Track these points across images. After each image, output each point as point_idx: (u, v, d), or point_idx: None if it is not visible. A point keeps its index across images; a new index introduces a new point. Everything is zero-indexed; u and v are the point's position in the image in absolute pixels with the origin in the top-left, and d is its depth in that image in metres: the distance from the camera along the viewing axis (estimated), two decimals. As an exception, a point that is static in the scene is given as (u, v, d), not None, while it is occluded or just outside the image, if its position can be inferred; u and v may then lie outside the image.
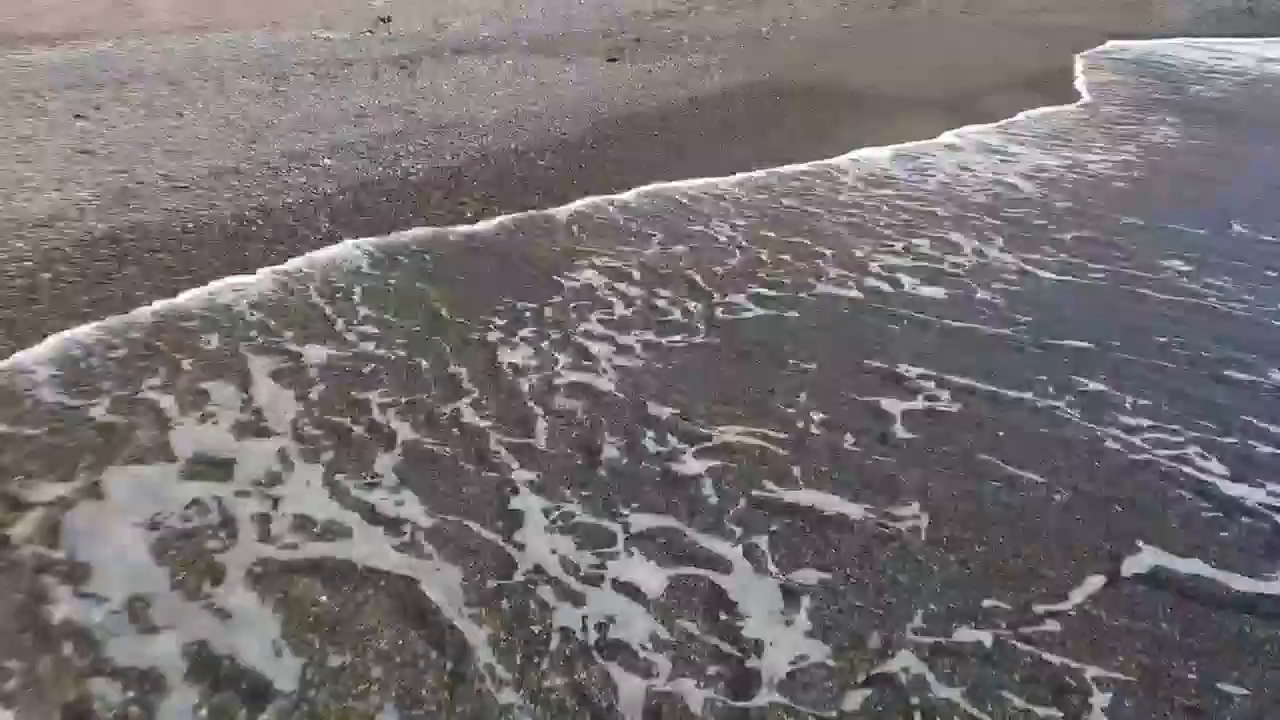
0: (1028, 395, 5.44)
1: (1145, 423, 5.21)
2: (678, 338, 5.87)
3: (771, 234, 7.58)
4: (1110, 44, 15.89)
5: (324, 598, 3.59)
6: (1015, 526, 4.29)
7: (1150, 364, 5.90)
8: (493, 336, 5.74)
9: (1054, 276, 7.20)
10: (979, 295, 6.80)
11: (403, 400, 4.97)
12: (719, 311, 6.25)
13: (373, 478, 4.33)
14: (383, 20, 14.64)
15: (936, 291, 6.78)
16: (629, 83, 11.84)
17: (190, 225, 6.94)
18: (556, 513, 4.17)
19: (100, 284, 5.97)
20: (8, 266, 6.09)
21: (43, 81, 10.16)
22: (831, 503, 4.37)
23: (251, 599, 3.56)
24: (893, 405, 5.25)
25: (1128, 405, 5.39)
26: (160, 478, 4.25)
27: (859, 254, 7.35)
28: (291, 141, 8.93)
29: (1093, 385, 5.60)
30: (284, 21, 14.07)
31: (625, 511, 4.19)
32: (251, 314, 5.83)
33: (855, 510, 4.34)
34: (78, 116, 9.10)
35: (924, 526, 4.25)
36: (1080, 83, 13.66)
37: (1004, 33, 15.88)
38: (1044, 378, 5.66)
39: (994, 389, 5.48)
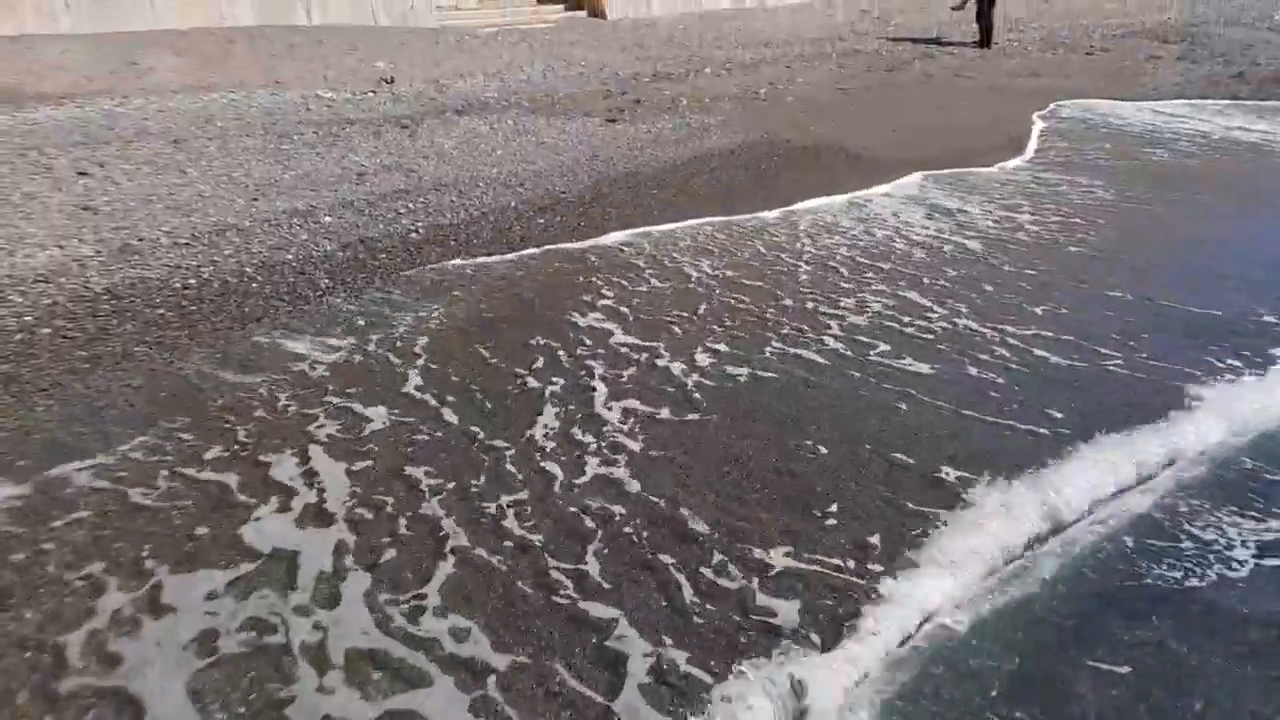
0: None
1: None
2: (665, 411, 5.34)
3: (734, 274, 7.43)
4: (1068, 103, 15.86)
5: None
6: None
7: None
8: (534, 383, 5.70)
9: (1060, 360, 5.96)
10: (971, 372, 5.86)
11: (449, 485, 4.57)
12: (702, 379, 5.76)
13: (424, 598, 3.82)
14: (386, 81, 14.86)
15: (920, 366, 5.96)
16: (628, 142, 11.99)
17: (191, 281, 6.95)
18: (653, 661, 3.51)
19: (98, 339, 5.96)
20: (7, 321, 6.08)
21: (47, 139, 10.27)
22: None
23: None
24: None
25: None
26: (214, 580, 3.88)
27: (810, 305, 6.98)
28: (293, 199, 9.00)
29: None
30: (288, 82, 14.28)
31: (734, 669, 3.49)
32: (312, 371, 5.80)
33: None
34: (81, 174, 9.18)
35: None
36: (1030, 143, 13.18)
37: (998, 96, 16.14)
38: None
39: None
